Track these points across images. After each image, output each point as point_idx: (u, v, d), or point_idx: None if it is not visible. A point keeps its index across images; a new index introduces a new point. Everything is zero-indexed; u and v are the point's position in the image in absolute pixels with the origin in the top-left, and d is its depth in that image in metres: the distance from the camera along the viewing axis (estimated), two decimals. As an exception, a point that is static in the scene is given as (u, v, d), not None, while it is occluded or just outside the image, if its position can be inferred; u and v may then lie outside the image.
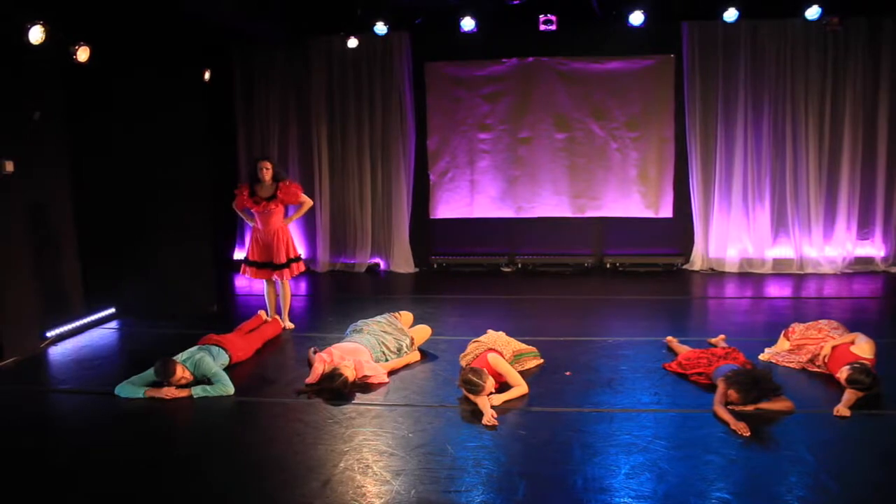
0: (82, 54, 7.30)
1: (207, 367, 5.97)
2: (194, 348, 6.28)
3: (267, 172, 7.55)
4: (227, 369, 6.26)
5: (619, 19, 9.66)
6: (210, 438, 5.21)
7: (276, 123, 11.14)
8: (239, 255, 11.42)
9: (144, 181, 8.30)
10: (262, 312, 7.64)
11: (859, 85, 10.19)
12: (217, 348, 6.38)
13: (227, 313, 8.59)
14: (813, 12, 9.39)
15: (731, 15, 9.49)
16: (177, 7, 7.83)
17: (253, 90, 11.13)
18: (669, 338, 6.94)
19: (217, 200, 9.01)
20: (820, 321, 6.70)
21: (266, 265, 7.73)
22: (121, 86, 8.09)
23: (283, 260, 7.69)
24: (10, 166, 6.92)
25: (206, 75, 9.64)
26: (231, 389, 5.88)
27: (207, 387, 5.87)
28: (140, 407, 5.69)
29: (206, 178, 8.71)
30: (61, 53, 7.15)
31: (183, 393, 5.80)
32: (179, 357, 6.06)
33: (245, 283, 10.49)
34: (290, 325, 7.84)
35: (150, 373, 5.91)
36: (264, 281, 7.87)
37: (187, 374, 5.90)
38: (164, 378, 5.80)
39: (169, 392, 5.77)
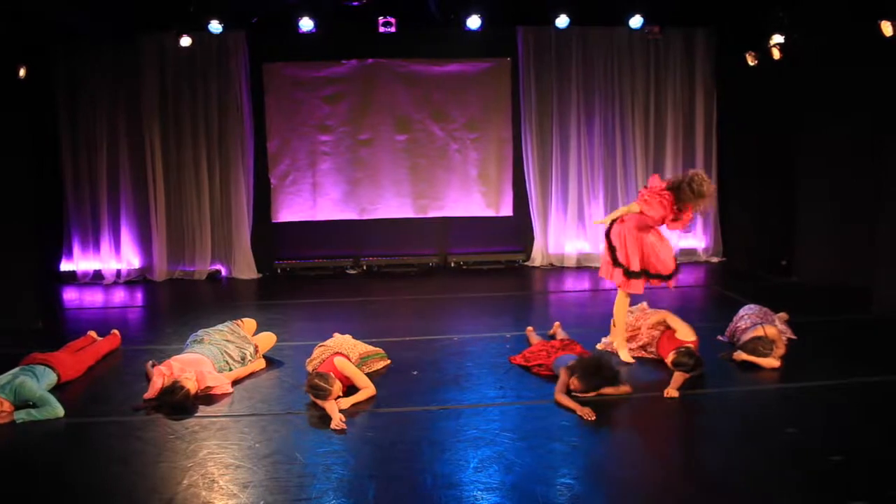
0: None
1: (30, 391, 5.50)
2: (14, 370, 5.76)
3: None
4: (56, 389, 5.83)
5: (457, 23, 9.83)
6: (37, 465, 4.82)
7: (104, 126, 10.41)
8: (66, 266, 10.64)
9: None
10: (92, 332, 7.08)
11: (678, 88, 10.94)
12: (42, 367, 5.90)
13: (54, 329, 7.99)
14: (636, 21, 9.99)
15: (562, 21, 9.86)
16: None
17: (78, 91, 10.34)
18: (529, 328, 7.11)
19: (40, 208, 8.41)
20: (639, 305, 7.10)
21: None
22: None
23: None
24: None
25: (22, 72, 8.93)
26: (60, 411, 5.47)
27: (33, 410, 5.44)
28: (-47, 437, 5.21)
29: (26, 184, 8.10)
30: None
31: (4, 419, 5.34)
32: (-6, 384, 5.55)
33: (74, 296, 9.87)
34: None
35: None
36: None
37: (6, 407, 5.38)
38: None
39: (-13, 422, 5.31)
